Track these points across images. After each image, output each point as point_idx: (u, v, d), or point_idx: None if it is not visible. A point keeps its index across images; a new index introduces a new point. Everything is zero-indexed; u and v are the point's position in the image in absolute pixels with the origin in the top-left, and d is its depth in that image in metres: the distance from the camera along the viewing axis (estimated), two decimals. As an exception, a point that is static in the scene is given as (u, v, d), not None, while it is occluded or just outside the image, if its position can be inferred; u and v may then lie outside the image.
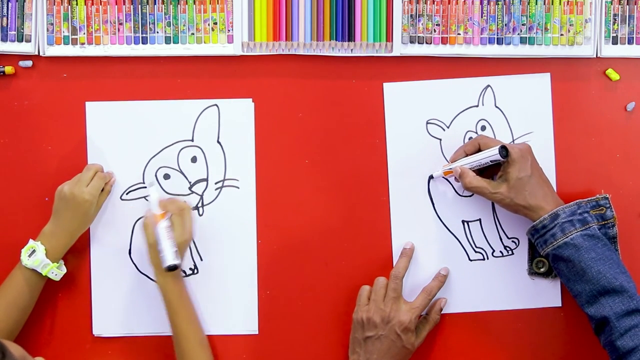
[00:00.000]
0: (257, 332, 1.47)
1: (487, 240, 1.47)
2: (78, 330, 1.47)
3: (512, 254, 1.47)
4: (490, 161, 1.39)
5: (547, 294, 1.47)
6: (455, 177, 1.43)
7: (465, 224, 1.47)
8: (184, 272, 1.47)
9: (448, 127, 1.47)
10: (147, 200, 1.45)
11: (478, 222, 1.47)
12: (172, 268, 1.34)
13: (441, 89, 1.46)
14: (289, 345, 1.47)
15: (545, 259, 1.42)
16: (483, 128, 1.46)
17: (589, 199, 1.38)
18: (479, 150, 1.41)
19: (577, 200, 1.36)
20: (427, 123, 1.47)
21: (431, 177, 1.46)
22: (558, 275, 1.37)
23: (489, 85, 1.46)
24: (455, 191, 1.47)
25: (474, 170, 1.40)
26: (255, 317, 1.47)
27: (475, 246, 1.47)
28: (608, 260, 1.31)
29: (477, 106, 1.46)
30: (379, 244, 1.47)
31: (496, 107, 1.46)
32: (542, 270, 1.45)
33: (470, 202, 1.47)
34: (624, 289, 1.29)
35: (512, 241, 1.47)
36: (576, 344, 1.46)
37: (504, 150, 1.36)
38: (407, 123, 1.46)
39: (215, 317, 1.46)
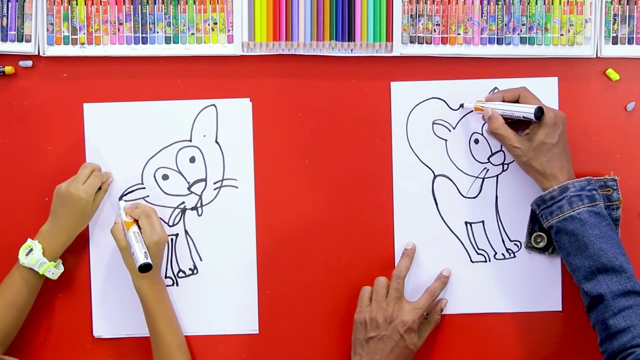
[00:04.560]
0: (257, 332, 1.47)
1: (489, 243, 1.47)
2: (78, 331, 1.47)
3: (514, 256, 1.47)
4: (523, 117, 1.37)
5: (548, 298, 1.46)
6: (483, 116, 1.42)
7: (468, 225, 1.47)
8: (184, 272, 1.46)
9: (454, 128, 1.47)
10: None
11: (481, 223, 1.47)
12: (144, 268, 1.34)
13: (448, 89, 1.46)
14: (289, 345, 1.47)
15: (545, 233, 1.42)
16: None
17: (599, 178, 1.39)
18: (517, 101, 1.40)
19: (588, 177, 1.36)
20: (433, 123, 1.46)
21: (462, 105, 1.45)
22: (558, 249, 1.37)
23: (496, 88, 1.45)
24: (459, 192, 1.46)
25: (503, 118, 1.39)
26: (255, 317, 1.47)
27: (478, 248, 1.47)
28: (610, 239, 1.31)
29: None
30: (380, 244, 1.47)
31: (504, 109, 1.46)
32: (540, 245, 1.44)
33: (474, 204, 1.46)
34: (623, 269, 1.29)
35: (515, 244, 1.47)
36: (576, 349, 1.46)
37: (539, 111, 1.35)
38: (413, 123, 1.46)
39: (215, 317, 1.46)
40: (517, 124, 1.40)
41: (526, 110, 1.36)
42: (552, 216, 1.34)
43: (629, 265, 1.30)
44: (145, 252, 1.34)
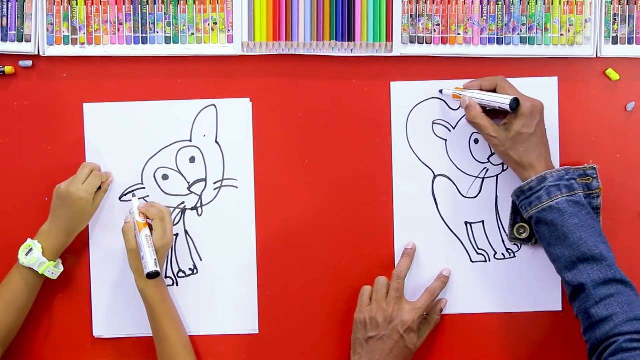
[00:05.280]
0: (257, 332, 1.47)
1: (489, 243, 1.47)
2: (78, 331, 1.47)
3: (514, 256, 1.47)
4: (499, 107, 1.37)
5: (548, 298, 1.46)
6: (461, 104, 1.42)
7: (468, 225, 1.47)
8: (184, 272, 1.46)
9: (454, 128, 1.46)
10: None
11: (481, 223, 1.47)
12: (153, 275, 1.34)
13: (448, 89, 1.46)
14: (289, 345, 1.47)
15: (527, 224, 1.42)
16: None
17: (577, 167, 1.39)
18: (494, 90, 1.40)
19: (566, 167, 1.36)
20: (433, 123, 1.46)
21: (441, 91, 1.45)
22: (539, 240, 1.36)
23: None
24: (459, 192, 1.46)
25: (481, 106, 1.39)
26: (255, 317, 1.47)
27: (478, 248, 1.47)
28: (590, 228, 1.30)
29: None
30: (380, 244, 1.47)
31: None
32: (523, 236, 1.44)
33: (474, 204, 1.46)
34: (603, 257, 1.28)
35: (515, 244, 1.47)
36: (576, 349, 1.45)
37: (515, 102, 1.35)
38: (413, 123, 1.46)
39: (215, 317, 1.46)
40: (496, 112, 1.40)
41: (502, 101, 1.36)
42: (532, 207, 1.34)
43: (610, 253, 1.30)
44: (155, 260, 1.34)
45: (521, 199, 1.36)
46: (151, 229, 1.39)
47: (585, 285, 1.27)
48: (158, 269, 1.34)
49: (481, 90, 1.40)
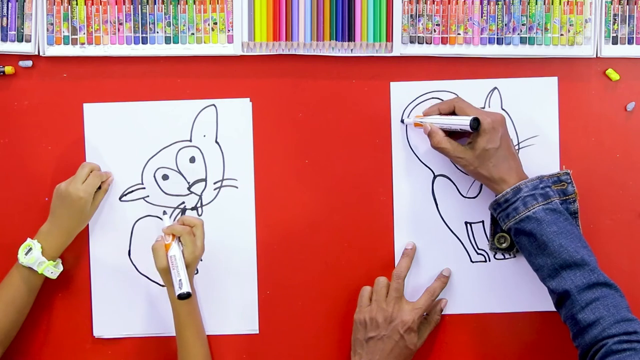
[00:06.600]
0: (257, 332, 1.47)
1: (489, 242, 1.47)
2: (78, 331, 1.47)
3: (514, 257, 1.46)
4: (460, 129, 1.37)
5: (548, 299, 1.45)
6: (424, 132, 1.41)
7: (468, 225, 1.47)
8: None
9: (454, 128, 1.47)
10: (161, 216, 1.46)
11: (481, 224, 1.47)
12: (184, 296, 1.32)
13: (447, 89, 1.46)
14: (289, 345, 1.47)
15: (507, 234, 1.42)
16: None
17: (551, 173, 1.39)
18: (454, 112, 1.39)
19: (539, 175, 1.36)
20: None
21: (402, 120, 1.45)
22: (520, 250, 1.36)
23: (495, 88, 1.45)
24: (459, 192, 1.46)
25: (443, 130, 1.39)
26: (256, 317, 1.47)
27: (478, 248, 1.47)
28: (570, 234, 1.30)
29: (483, 107, 1.45)
30: (380, 245, 1.47)
31: (502, 109, 1.45)
32: (503, 245, 1.45)
33: (474, 204, 1.46)
34: (585, 262, 1.28)
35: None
36: (576, 350, 1.45)
37: (475, 122, 1.34)
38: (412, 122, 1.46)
39: (215, 317, 1.46)
40: (460, 133, 1.40)
41: (462, 123, 1.36)
42: (509, 218, 1.34)
43: (592, 257, 1.30)
44: (180, 281, 1.32)
45: (498, 211, 1.36)
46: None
47: (570, 292, 1.27)
48: (184, 290, 1.32)
49: (440, 114, 1.40)
